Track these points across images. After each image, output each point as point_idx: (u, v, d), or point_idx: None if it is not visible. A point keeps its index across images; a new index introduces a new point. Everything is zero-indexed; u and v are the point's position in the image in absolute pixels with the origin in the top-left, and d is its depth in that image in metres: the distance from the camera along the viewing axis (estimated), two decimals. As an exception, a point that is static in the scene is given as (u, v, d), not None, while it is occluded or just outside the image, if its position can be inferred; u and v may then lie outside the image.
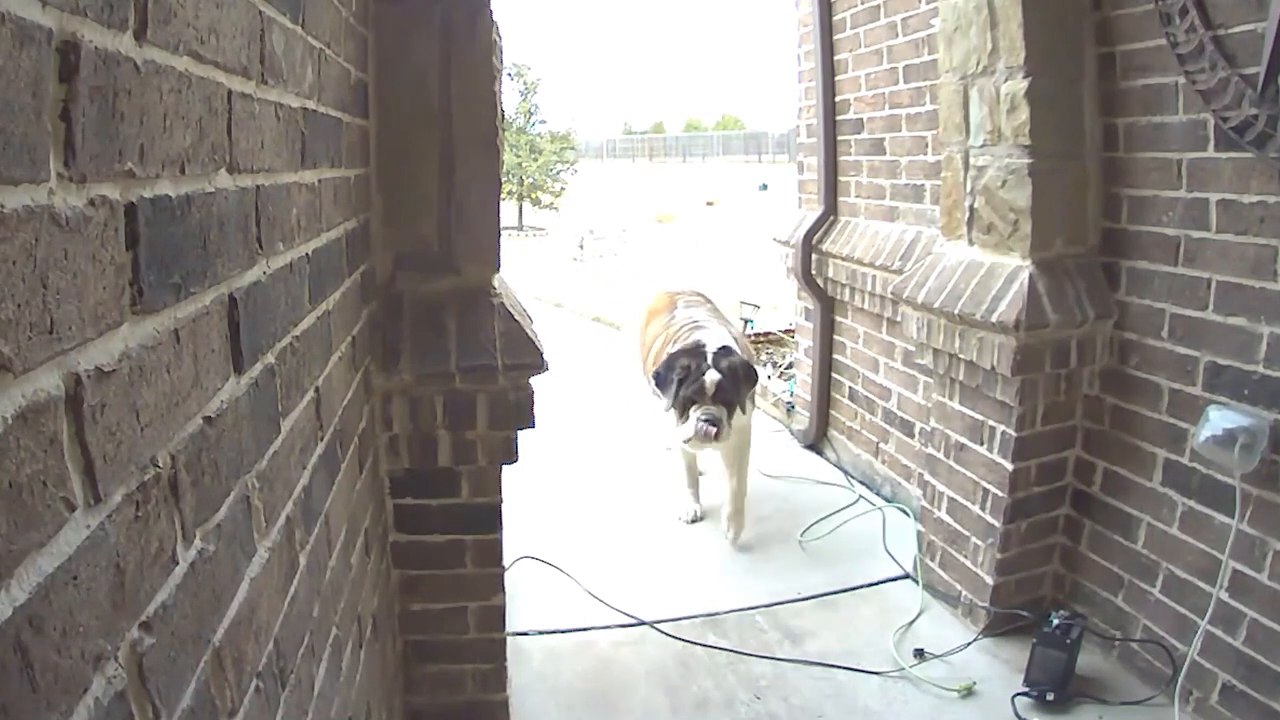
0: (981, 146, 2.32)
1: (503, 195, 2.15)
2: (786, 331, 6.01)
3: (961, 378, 2.40)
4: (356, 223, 1.61)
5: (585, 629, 2.50)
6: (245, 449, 0.83)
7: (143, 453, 0.60)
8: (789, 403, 4.47)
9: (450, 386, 1.81)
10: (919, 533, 2.75)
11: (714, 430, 2.75)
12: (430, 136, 1.84)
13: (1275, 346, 1.79)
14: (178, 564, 0.65)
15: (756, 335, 6.46)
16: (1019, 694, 2.11)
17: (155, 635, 0.59)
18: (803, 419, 4.11)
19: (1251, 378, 1.84)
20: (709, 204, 23.31)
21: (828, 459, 3.82)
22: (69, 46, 0.50)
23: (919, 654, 2.32)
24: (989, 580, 2.38)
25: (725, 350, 2.85)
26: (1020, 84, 2.16)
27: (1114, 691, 2.12)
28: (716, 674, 2.31)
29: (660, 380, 2.86)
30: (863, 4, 3.28)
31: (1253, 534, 1.84)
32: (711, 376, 2.76)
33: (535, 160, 20.48)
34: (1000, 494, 2.32)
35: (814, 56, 3.59)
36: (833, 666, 2.29)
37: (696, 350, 2.85)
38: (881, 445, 3.44)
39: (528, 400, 1.85)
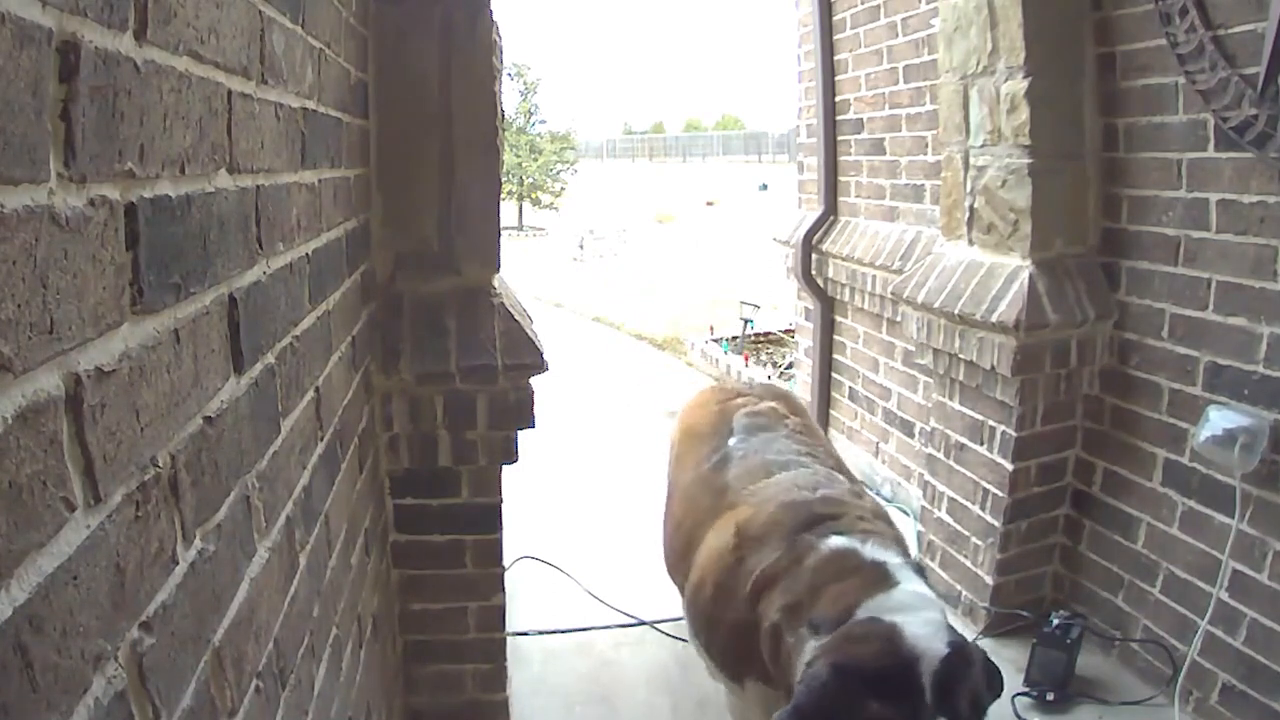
0: (981, 146, 2.32)
1: (503, 195, 2.15)
2: (786, 331, 6.01)
3: (961, 378, 2.40)
4: (356, 223, 1.61)
5: (585, 629, 2.50)
6: (245, 449, 0.83)
7: (143, 453, 0.60)
8: (789, 403, 4.46)
9: (450, 386, 1.81)
10: (919, 533, 2.75)
11: None
12: (430, 137, 1.84)
13: (1275, 346, 1.79)
14: (178, 564, 0.65)
15: (756, 335, 6.46)
16: (1019, 694, 2.11)
17: (155, 635, 0.59)
18: (803, 419, 4.11)
19: (1251, 378, 1.84)
20: (709, 204, 23.31)
21: (828, 459, 3.82)
22: (69, 46, 0.50)
23: (919, 654, 2.31)
24: (989, 580, 2.38)
25: (959, 655, 1.21)
26: (1020, 84, 2.16)
27: (1114, 691, 2.11)
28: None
29: None
30: (863, 4, 3.28)
31: (1253, 534, 1.84)
32: None
33: (535, 160, 20.47)
34: (1000, 494, 2.32)
35: (814, 56, 3.59)
36: (833, 666, 2.29)
37: (898, 676, 1.17)
38: (881, 445, 3.44)
39: (528, 400, 1.85)
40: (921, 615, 1.25)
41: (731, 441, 1.88)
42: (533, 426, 1.87)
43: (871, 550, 1.38)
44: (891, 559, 1.37)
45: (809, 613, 1.31)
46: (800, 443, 1.86)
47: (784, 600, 1.37)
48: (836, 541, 1.41)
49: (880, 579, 1.31)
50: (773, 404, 2.04)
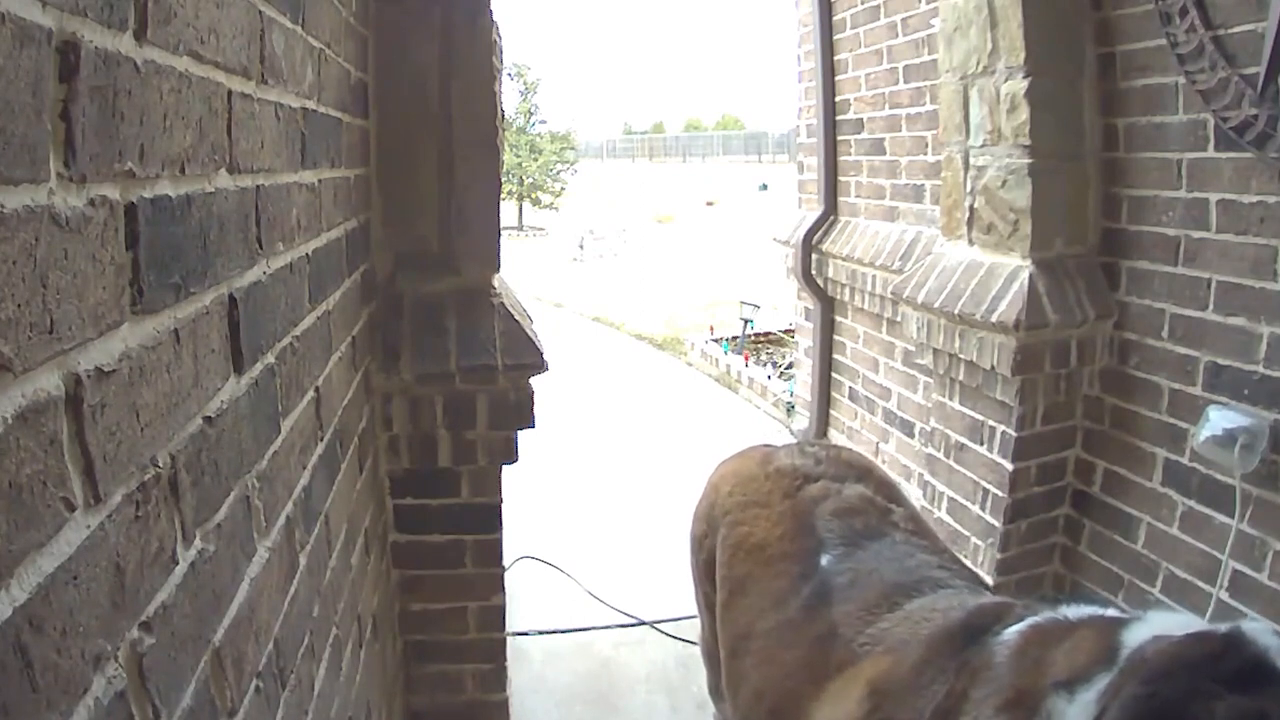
0: (981, 146, 2.32)
1: (503, 195, 2.15)
2: (786, 331, 6.01)
3: (961, 378, 2.40)
4: (356, 223, 1.61)
5: (585, 629, 2.51)
6: (245, 449, 0.83)
7: (143, 453, 0.60)
8: (789, 403, 4.47)
9: (450, 386, 1.81)
10: (919, 533, 2.75)
11: None
12: (430, 136, 1.84)
13: (1275, 346, 1.79)
14: (178, 564, 0.65)
15: (757, 335, 6.47)
16: (1019, 694, 2.11)
17: (155, 635, 0.59)
18: (803, 419, 4.11)
19: (1251, 378, 1.84)
20: (709, 204, 23.32)
21: (828, 459, 3.81)
22: (69, 46, 0.50)
23: (919, 654, 2.30)
24: (989, 580, 2.38)
25: None
26: (1020, 84, 2.16)
27: (1114, 691, 2.11)
28: (716, 674, 2.31)
29: None
30: (863, 4, 3.28)
31: (1253, 534, 1.84)
32: None
33: (535, 160, 20.47)
34: (1000, 494, 2.32)
35: (814, 56, 3.59)
36: (833, 666, 2.28)
37: (1251, 666, 0.78)
38: (881, 445, 3.44)
39: (528, 400, 1.85)
40: (1206, 624, 0.91)
41: (824, 561, 1.31)
42: (533, 426, 1.87)
43: (1073, 610, 1.00)
44: (1104, 609, 1.01)
45: (1037, 693, 0.91)
46: (922, 547, 1.33)
47: (996, 701, 0.95)
48: (1020, 626, 1.01)
49: (1115, 620, 0.94)
50: (861, 488, 1.45)
